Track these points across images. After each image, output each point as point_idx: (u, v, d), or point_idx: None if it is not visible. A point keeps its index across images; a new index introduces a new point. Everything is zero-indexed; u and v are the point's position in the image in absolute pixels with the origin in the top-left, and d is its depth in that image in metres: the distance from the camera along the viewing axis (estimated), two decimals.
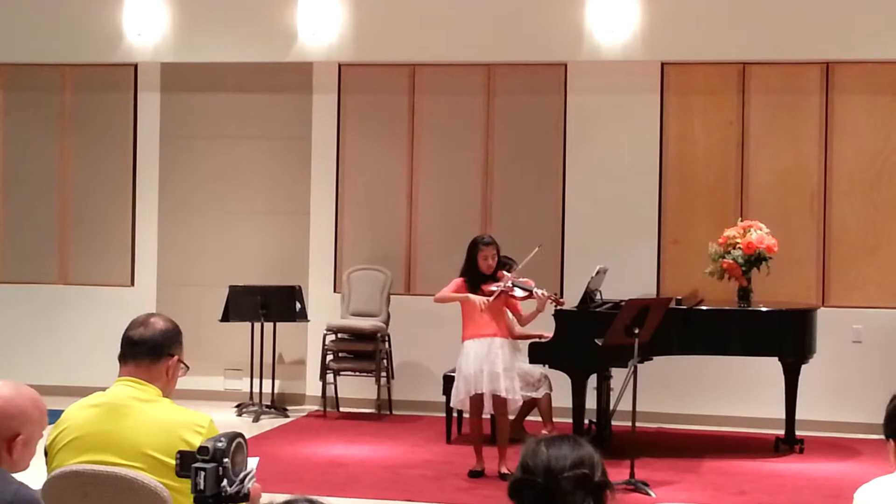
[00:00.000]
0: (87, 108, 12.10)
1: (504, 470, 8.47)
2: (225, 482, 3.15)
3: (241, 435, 3.28)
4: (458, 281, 8.60)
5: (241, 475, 3.19)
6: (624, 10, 10.94)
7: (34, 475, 3.92)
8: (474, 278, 8.52)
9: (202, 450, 3.17)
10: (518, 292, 8.53)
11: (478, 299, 8.39)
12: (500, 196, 11.37)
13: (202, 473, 3.12)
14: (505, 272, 8.59)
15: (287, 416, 11.03)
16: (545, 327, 9.26)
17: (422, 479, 8.60)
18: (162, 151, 11.97)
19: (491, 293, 8.42)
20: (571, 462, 2.79)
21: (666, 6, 10.96)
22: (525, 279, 8.66)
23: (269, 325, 11.10)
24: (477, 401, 8.51)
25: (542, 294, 8.49)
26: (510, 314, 8.92)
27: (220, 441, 3.17)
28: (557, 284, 10.79)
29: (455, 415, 9.92)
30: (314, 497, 1.88)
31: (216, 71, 11.78)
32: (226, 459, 3.15)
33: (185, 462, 3.22)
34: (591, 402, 9.28)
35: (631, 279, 10.46)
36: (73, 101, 12.14)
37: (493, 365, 8.40)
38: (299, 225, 11.70)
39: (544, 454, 2.82)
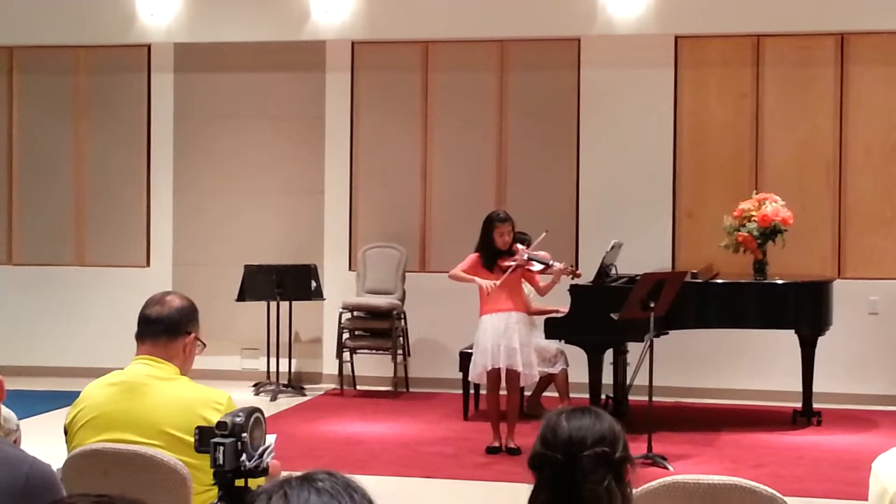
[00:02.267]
0: (100, 89, 12.11)
1: (512, 444, 8.53)
2: (244, 457, 3.16)
3: (259, 410, 3.29)
4: (474, 257, 8.60)
5: (260, 450, 3.20)
6: None
7: (55, 454, 3.94)
8: (490, 254, 8.52)
9: (221, 425, 3.17)
10: (535, 266, 8.53)
11: (485, 283, 8.39)
12: (513, 172, 11.36)
13: (221, 448, 3.13)
14: (520, 245, 8.59)
15: (304, 395, 11.06)
16: (561, 302, 9.25)
17: (440, 456, 8.62)
18: (176, 132, 11.98)
19: (507, 268, 8.42)
20: (592, 439, 2.78)
21: None
22: (542, 252, 8.66)
23: (284, 304, 11.12)
24: (494, 376, 8.53)
25: (559, 266, 8.50)
26: (529, 287, 8.93)
27: (239, 416, 3.18)
28: (573, 259, 10.77)
29: (472, 391, 9.93)
30: (334, 471, 1.88)
31: (229, 50, 11.78)
32: (244, 434, 3.16)
33: (204, 437, 3.23)
34: (607, 376, 9.28)
35: (646, 253, 10.45)
36: (87, 83, 12.15)
37: (510, 340, 8.42)
38: (314, 203, 11.71)
39: (565, 429, 2.80)
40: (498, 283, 8.37)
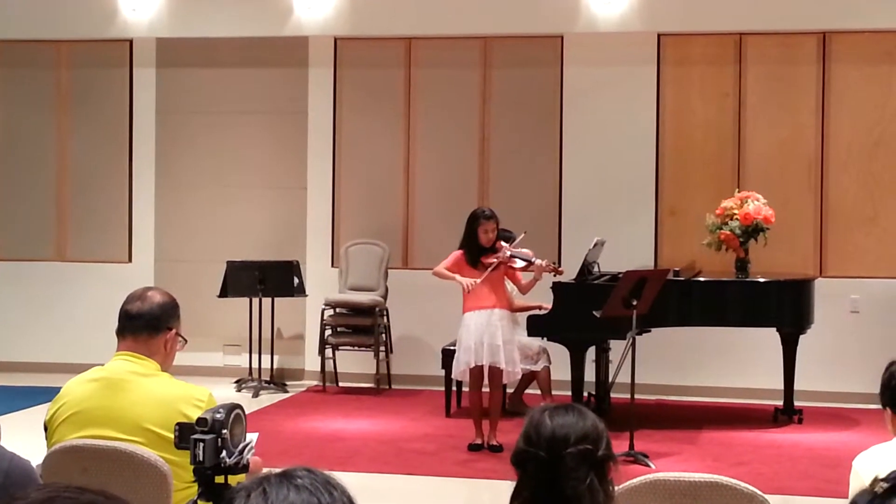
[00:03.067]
0: (82, 84, 12.07)
1: (494, 442, 8.54)
2: (224, 453, 3.15)
3: (239, 406, 3.28)
4: (458, 254, 8.59)
5: (241, 446, 3.20)
6: None
7: (34, 450, 3.93)
8: (474, 251, 8.52)
9: (201, 421, 3.17)
10: (518, 263, 8.54)
11: (465, 282, 8.39)
12: (496, 168, 11.36)
13: (201, 445, 3.13)
14: (503, 243, 8.59)
15: (286, 392, 11.05)
16: (544, 299, 9.27)
17: (422, 453, 8.62)
18: (158, 127, 11.94)
19: (490, 265, 8.42)
20: (576, 436, 2.78)
21: None
22: (524, 249, 8.67)
23: (267, 301, 11.10)
24: (477, 373, 8.53)
25: (542, 264, 8.51)
26: (511, 284, 8.93)
27: (219, 412, 3.17)
28: (555, 256, 10.76)
29: (454, 388, 9.93)
30: (313, 468, 1.87)
31: (212, 46, 11.75)
32: (224, 430, 3.16)
33: (184, 434, 3.23)
34: (589, 374, 9.30)
35: (628, 251, 10.47)
36: (69, 78, 12.11)
37: (493, 337, 8.42)
38: (296, 199, 11.69)
39: (548, 427, 2.81)
40: (478, 281, 8.37)
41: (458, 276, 8.46)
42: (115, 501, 1.75)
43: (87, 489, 1.73)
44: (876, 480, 2.11)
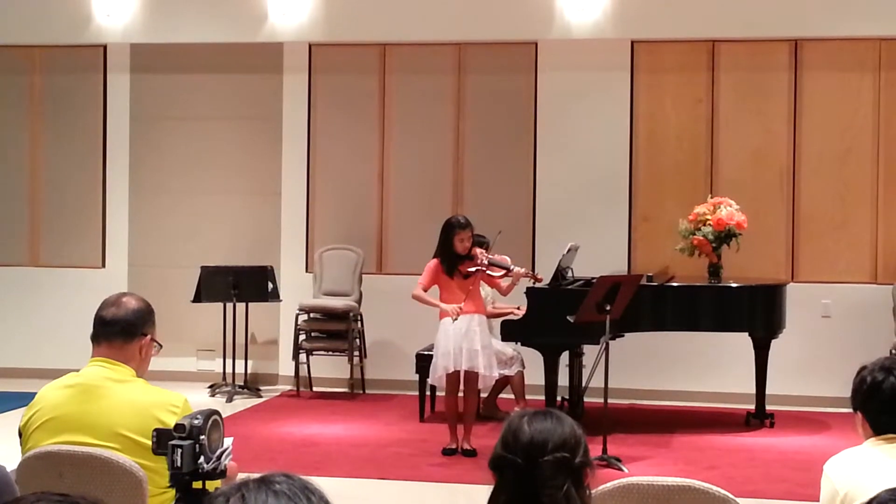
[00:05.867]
0: (56, 89, 12.03)
1: (468, 446, 8.57)
2: (202, 459, 3.16)
3: (217, 412, 3.29)
4: (433, 264, 8.59)
5: (218, 452, 3.21)
6: None
7: (9, 456, 3.92)
8: (450, 259, 8.54)
9: (179, 427, 3.18)
10: (496, 272, 8.58)
11: (449, 309, 8.41)
12: (471, 174, 11.39)
13: (179, 451, 3.13)
14: (479, 249, 8.61)
15: (260, 396, 11.04)
16: (518, 303, 9.30)
17: (396, 458, 8.63)
18: (132, 132, 11.91)
19: (469, 273, 8.45)
20: (553, 443, 2.80)
21: None
22: (501, 256, 8.70)
23: (241, 306, 11.09)
24: (454, 378, 8.55)
25: (520, 271, 8.55)
26: (487, 288, 8.97)
27: (197, 418, 3.18)
28: (529, 262, 10.81)
29: (428, 393, 9.95)
30: (291, 473, 1.89)
31: (186, 52, 11.73)
32: (202, 436, 3.16)
33: (162, 439, 3.23)
34: (563, 379, 9.32)
35: (602, 256, 10.51)
36: (43, 83, 12.07)
37: (472, 342, 8.45)
38: (271, 205, 11.69)
39: (526, 433, 2.82)
40: (462, 306, 8.38)
41: (441, 304, 8.48)
42: None
43: (70, 495, 1.75)
44: None
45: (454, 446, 8.65)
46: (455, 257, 8.52)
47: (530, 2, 11.10)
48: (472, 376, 8.52)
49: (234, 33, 11.57)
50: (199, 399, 10.25)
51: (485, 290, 8.99)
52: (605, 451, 8.17)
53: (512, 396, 9.78)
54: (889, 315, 10.42)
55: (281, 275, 11.36)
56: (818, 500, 3.71)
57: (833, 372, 10.19)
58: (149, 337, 4.11)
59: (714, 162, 10.98)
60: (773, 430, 9.60)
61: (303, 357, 11.16)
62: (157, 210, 11.87)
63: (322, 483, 1.91)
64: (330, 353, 11.21)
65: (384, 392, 11.10)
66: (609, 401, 8.43)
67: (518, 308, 9.35)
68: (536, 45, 11.24)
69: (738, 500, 3.68)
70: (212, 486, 3.21)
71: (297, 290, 11.34)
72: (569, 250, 9.37)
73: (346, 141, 11.58)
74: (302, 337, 11.14)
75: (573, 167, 11.13)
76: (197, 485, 3.18)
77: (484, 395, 9.82)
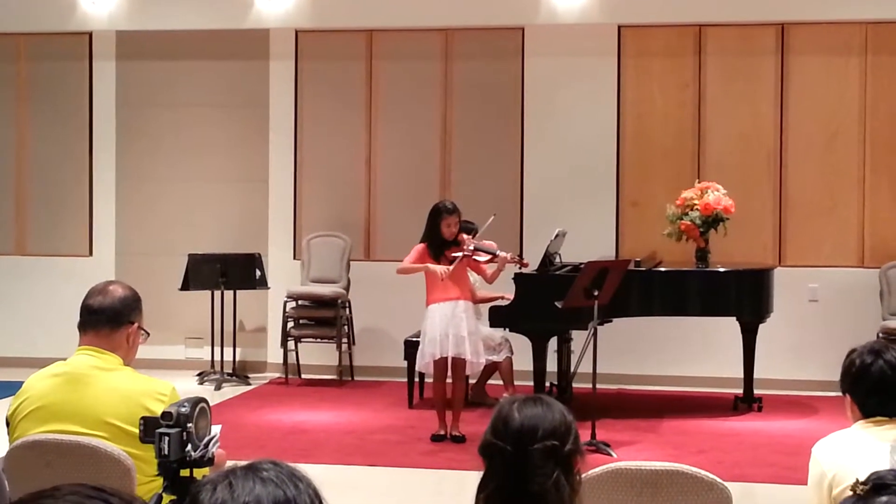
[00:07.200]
0: (42, 77, 11.98)
1: (457, 432, 8.58)
2: (189, 447, 3.16)
3: (204, 400, 3.29)
4: (420, 248, 8.60)
5: (206, 440, 3.20)
6: None
7: None
8: (437, 244, 8.53)
9: (166, 415, 3.17)
10: (481, 256, 8.57)
11: (438, 269, 8.41)
12: (458, 160, 11.38)
13: (166, 438, 3.13)
14: (466, 235, 8.61)
15: (249, 384, 11.03)
16: (506, 289, 9.29)
17: (385, 444, 8.63)
18: (118, 120, 11.88)
19: (454, 258, 8.45)
20: (543, 431, 2.79)
21: None
22: (488, 242, 8.70)
23: (229, 293, 11.07)
24: (442, 364, 8.55)
25: (506, 256, 8.55)
26: (475, 275, 8.96)
27: (184, 406, 3.18)
28: (517, 248, 10.81)
29: (417, 380, 9.95)
30: (278, 460, 1.89)
31: (172, 38, 11.69)
32: (189, 424, 3.16)
33: (149, 427, 3.22)
34: (551, 364, 9.32)
35: (590, 242, 10.51)
36: (28, 71, 12.02)
37: (458, 329, 8.45)
38: (258, 192, 11.66)
39: (516, 420, 2.82)
40: (450, 268, 8.38)
41: (429, 265, 8.47)
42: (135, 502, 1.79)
43: (105, 489, 1.75)
44: (857, 483, 2.14)
45: (443, 433, 8.66)
46: (442, 242, 8.52)
47: None
48: (459, 363, 8.52)
49: (220, 20, 11.53)
50: (187, 387, 10.24)
51: (472, 277, 8.98)
52: (593, 436, 8.18)
53: (501, 382, 9.79)
54: (876, 299, 10.45)
55: (269, 262, 11.34)
56: (806, 484, 3.72)
57: (820, 356, 10.22)
58: (136, 325, 4.10)
59: (701, 146, 10.99)
60: (761, 414, 9.63)
61: (291, 344, 11.15)
62: (144, 198, 11.84)
63: (310, 470, 1.91)
64: (318, 340, 11.21)
65: (372, 379, 11.10)
66: (597, 386, 8.44)
67: (504, 296, 9.34)
68: (523, 30, 11.22)
69: (726, 483, 3.69)
70: (199, 473, 3.21)
71: (284, 278, 11.32)
72: (556, 236, 9.38)
73: (333, 127, 11.56)
74: (290, 324, 11.13)
75: (560, 152, 11.12)
76: (184, 473, 3.18)
77: (472, 381, 9.82)
